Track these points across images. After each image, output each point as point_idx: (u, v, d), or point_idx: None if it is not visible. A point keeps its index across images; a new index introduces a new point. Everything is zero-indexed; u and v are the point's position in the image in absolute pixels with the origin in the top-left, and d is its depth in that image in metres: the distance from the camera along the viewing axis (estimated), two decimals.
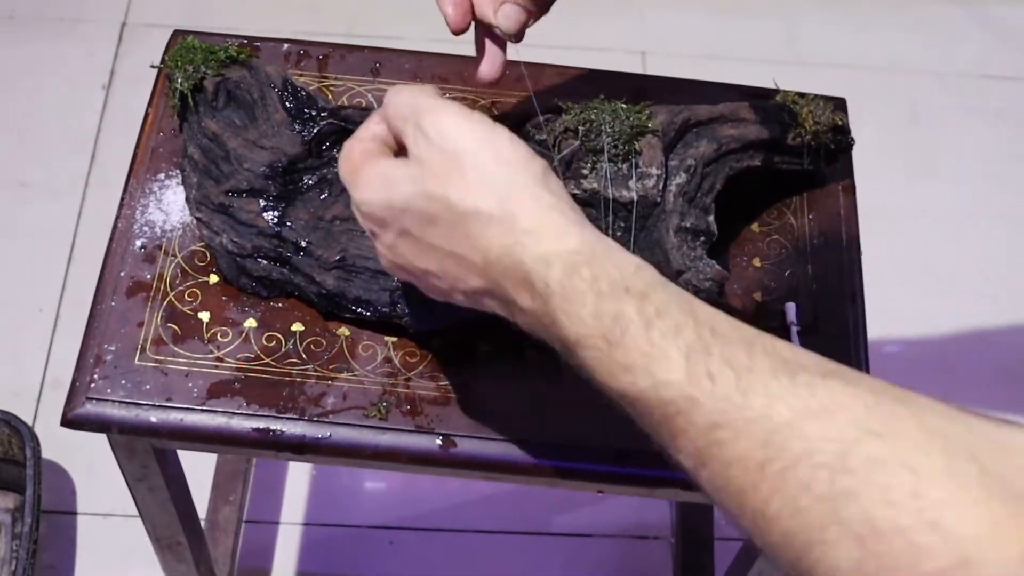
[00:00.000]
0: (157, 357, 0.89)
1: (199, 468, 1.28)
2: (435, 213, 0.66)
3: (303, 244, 0.90)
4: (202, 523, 1.27)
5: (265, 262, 0.91)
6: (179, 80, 0.96)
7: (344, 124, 0.93)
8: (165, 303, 0.91)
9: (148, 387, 0.87)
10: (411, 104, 0.69)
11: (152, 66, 1.01)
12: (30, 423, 1.57)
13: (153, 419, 0.86)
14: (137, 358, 0.89)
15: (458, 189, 0.65)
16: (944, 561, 0.46)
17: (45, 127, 1.92)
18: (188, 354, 0.89)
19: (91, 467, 1.59)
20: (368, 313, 0.89)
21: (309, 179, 0.92)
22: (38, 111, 1.93)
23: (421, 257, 0.69)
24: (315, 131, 0.93)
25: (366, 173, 0.70)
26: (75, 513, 1.58)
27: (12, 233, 1.81)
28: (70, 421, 0.87)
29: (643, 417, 0.59)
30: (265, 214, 0.91)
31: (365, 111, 0.97)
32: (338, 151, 0.93)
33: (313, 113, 0.94)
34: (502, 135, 0.67)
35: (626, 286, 0.60)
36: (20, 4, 2.05)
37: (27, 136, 1.90)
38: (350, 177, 0.72)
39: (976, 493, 0.47)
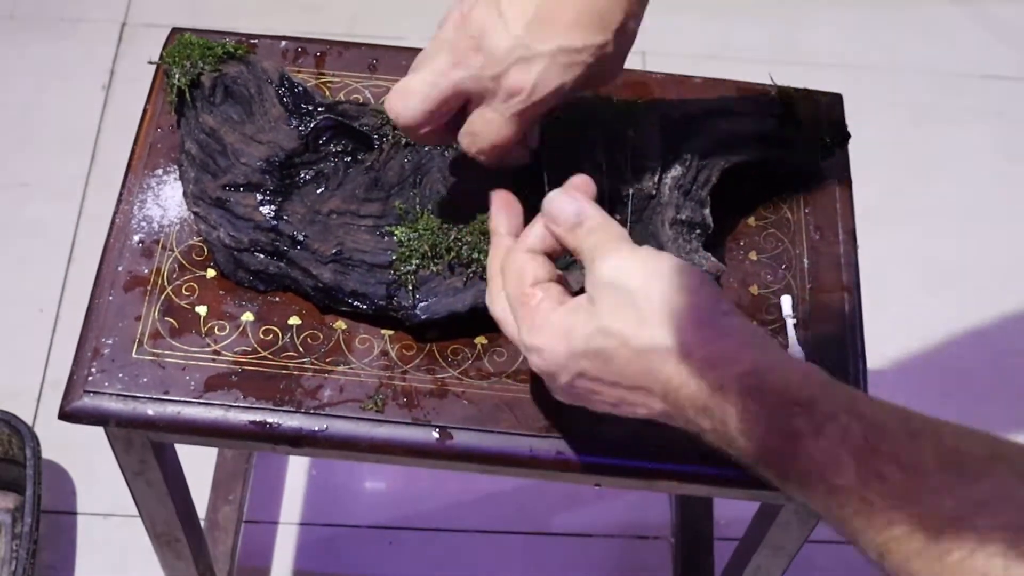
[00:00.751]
0: (154, 351, 0.89)
1: (199, 467, 1.28)
2: (612, 350, 0.70)
3: (300, 238, 0.90)
4: (202, 522, 1.27)
5: (262, 256, 0.91)
6: (176, 76, 0.96)
7: (341, 119, 0.94)
8: (162, 297, 0.91)
9: (145, 380, 0.87)
10: (581, 234, 0.74)
11: (150, 62, 1.01)
12: (30, 423, 1.57)
13: (150, 412, 0.87)
14: (134, 352, 0.89)
15: (632, 326, 0.69)
16: None
17: (45, 127, 1.92)
18: (185, 348, 0.89)
19: (91, 467, 1.59)
20: (364, 306, 0.89)
21: (306, 173, 0.93)
22: (38, 111, 1.93)
23: (599, 393, 0.72)
24: (312, 126, 0.93)
25: (545, 320, 0.73)
26: (75, 513, 1.58)
27: (12, 233, 1.81)
28: (68, 414, 0.87)
29: (826, 518, 0.64)
30: (262, 208, 0.91)
31: (363, 106, 0.97)
32: (335, 146, 0.93)
33: (310, 108, 0.94)
34: (671, 264, 0.71)
35: (796, 400, 0.64)
36: (20, 4, 2.05)
37: (27, 136, 1.91)
38: (522, 312, 0.75)
39: None
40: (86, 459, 1.59)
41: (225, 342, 0.90)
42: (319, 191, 0.92)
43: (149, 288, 0.92)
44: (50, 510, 1.57)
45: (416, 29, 1.98)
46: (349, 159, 0.94)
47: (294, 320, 0.91)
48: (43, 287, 1.76)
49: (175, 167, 0.98)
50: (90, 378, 0.87)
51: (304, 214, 0.91)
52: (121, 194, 0.97)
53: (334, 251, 0.89)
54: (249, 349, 0.89)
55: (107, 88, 1.96)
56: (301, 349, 0.89)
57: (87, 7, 2.06)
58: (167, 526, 1.08)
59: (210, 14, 2.05)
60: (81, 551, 1.56)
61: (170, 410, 0.87)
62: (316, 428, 0.86)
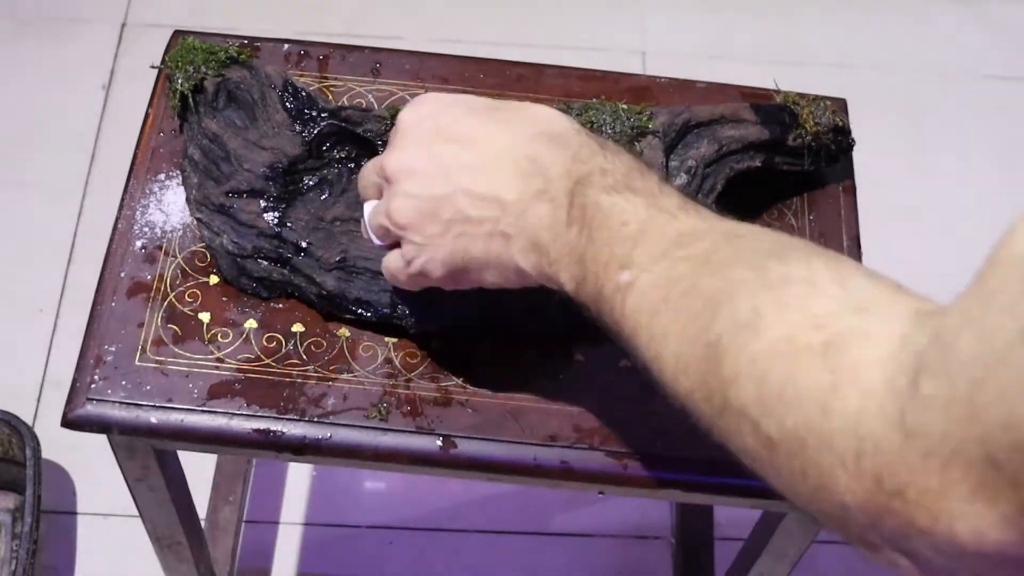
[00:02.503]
0: (157, 358, 0.89)
1: (199, 468, 1.28)
2: (487, 104, 0.75)
3: (303, 245, 0.90)
4: (202, 523, 1.27)
5: (265, 263, 0.91)
6: (179, 81, 0.96)
7: (345, 125, 0.93)
8: (165, 304, 0.91)
9: (148, 388, 0.87)
10: None
11: (152, 66, 1.01)
12: (30, 423, 1.57)
13: (153, 420, 0.86)
14: (137, 359, 0.89)
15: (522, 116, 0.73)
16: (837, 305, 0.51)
17: (45, 127, 1.92)
18: (188, 355, 0.89)
19: (91, 467, 1.59)
20: (368, 314, 0.89)
21: (310, 180, 0.92)
22: (38, 111, 1.93)
23: (464, 130, 0.73)
24: (316, 132, 0.93)
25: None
26: (75, 513, 1.58)
27: (12, 233, 1.81)
28: (70, 422, 0.87)
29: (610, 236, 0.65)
30: (265, 215, 0.90)
31: (366, 111, 0.97)
32: (338, 152, 0.93)
33: (314, 114, 0.94)
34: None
35: (629, 185, 0.67)
36: (20, 4, 2.05)
37: (27, 136, 1.90)
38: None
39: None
40: (86, 459, 1.59)
41: (228, 349, 0.89)
42: (323, 198, 0.92)
43: (152, 294, 0.92)
44: (50, 510, 1.57)
45: (415, 29, 1.98)
46: (352, 165, 0.93)
47: (297, 327, 0.91)
48: (43, 287, 1.75)
49: (177, 172, 0.97)
50: (93, 385, 0.87)
51: (308, 221, 0.90)
52: (123, 199, 0.97)
53: (338, 258, 0.89)
54: (252, 356, 0.89)
55: (107, 88, 1.96)
56: (305, 357, 0.89)
57: (87, 7, 2.05)
58: (169, 530, 1.08)
59: (210, 14, 2.05)
60: (81, 551, 1.56)
61: (173, 418, 0.86)
62: (320, 436, 0.86)
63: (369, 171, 0.80)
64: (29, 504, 1.41)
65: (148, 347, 0.89)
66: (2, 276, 1.76)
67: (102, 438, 0.92)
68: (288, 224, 0.90)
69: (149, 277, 0.93)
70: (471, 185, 0.71)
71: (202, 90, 0.95)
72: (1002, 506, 0.41)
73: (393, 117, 0.93)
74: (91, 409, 0.87)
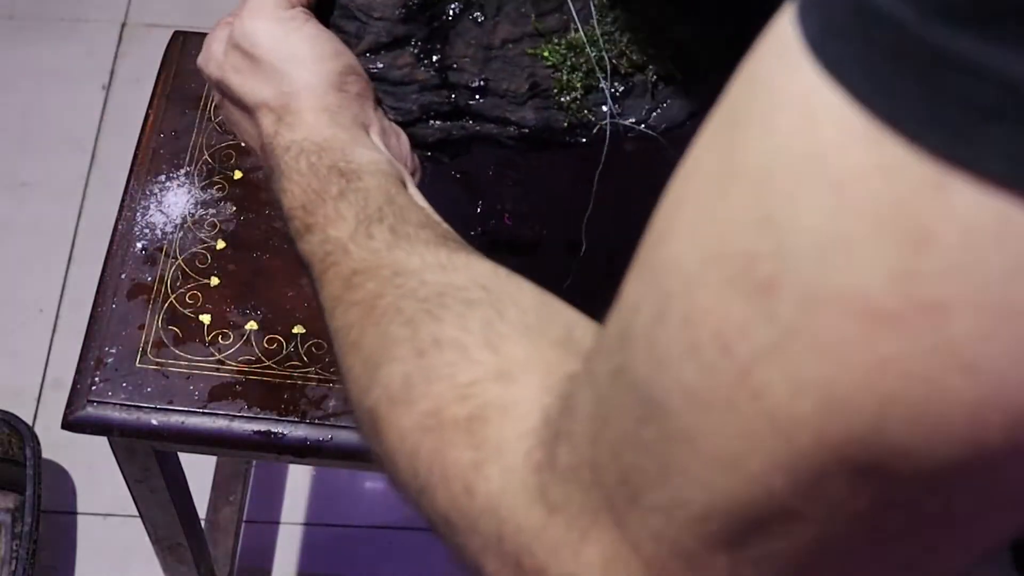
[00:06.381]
0: (158, 360, 0.89)
1: (199, 468, 1.28)
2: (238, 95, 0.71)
3: (480, 84, 0.75)
4: (202, 523, 1.27)
5: (438, 122, 0.75)
6: None
7: None
8: (166, 306, 0.91)
9: (149, 390, 0.87)
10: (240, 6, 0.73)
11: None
12: (30, 423, 1.56)
13: (154, 422, 0.87)
14: (138, 361, 0.89)
15: (252, 84, 0.70)
16: (483, 372, 0.46)
17: (45, 127, 1.91)
18: (189, 357, 0.89)
19: (91, 467, 1.59)
20: (584, 139, 0.77)
21: (454, 6, 0.76)
22: (38, 111, 1.93)
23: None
24: None
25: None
26: (75, 513, 1.58)
27: (12, 233, 1.80)
28: (71, 424, 0.87)
29: (313, 278, 0.61)
30: (422, 63, 0.75)
31: None
32: None
33: None
34: (301, 33, 0.70)
35: (341, 170, 0.62)
36: (20, 4, 2.05)
37: (27, 136, 1.90)
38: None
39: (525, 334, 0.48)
40: (86, 459, 1.59)
41: (229, 351, 0.90)
42: (480, 21, 0.76)
43: (152, 296, 0.92)
44: (50, 510, 1.56)
45: None
46: None
47: (298, 329, 0.91)
48: (43, 287, 1.75)
49: (178, 173, 0.98)
50: (94, 387, 0.87)
51: (473, 55, 0.76)
52: (123, 200, 0.97)
53: (528, 85, 0.75)
54: (253, 358, 0.89)
55: (107, 88, 1.96)
56: (306, 359, 0.89)
57: (87, 7, 2.05)
58: (169, 531, 1.08)
59: (210, 14, 2.03)
60: (81, 551, 1.56)
61: (174, 420, 0.87)
62: (321, 438, 0.86)
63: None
64: (29, 504, 1.41)
65: (149, 349, 0.89)
66: (2, 276, 1.76)
67: (102, 440, 0.92)
68: (453, 65, 0.75)
69: (150, 279, 0.93)
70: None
71: None
72: None
73: None
74: (92, 411, 0.87)
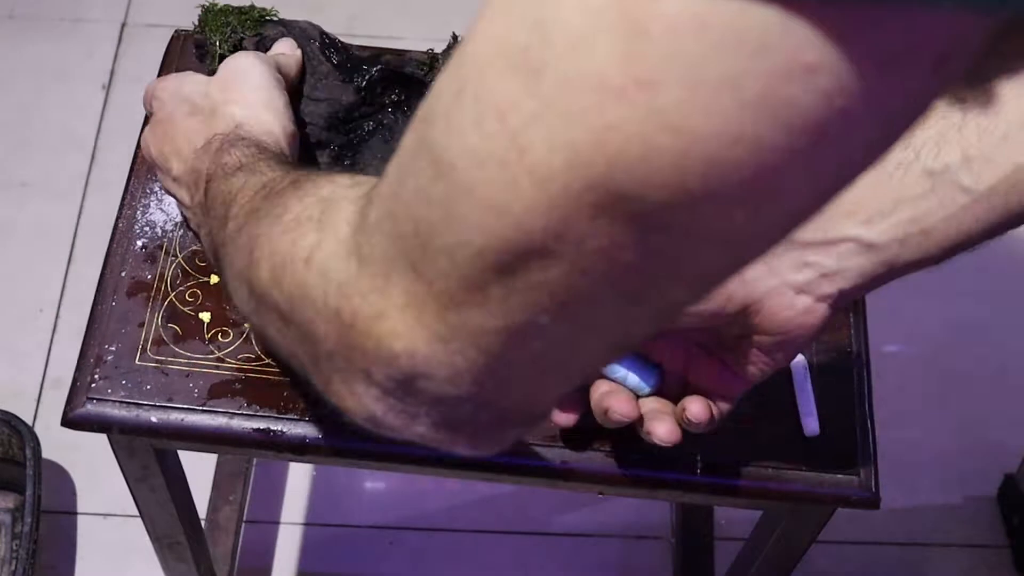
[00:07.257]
0: (158, 357, 0.89)
1: (199, 468, 1.28)
2: (201, 106, 0.86)
3: None
4: (202, 523, 1.27)
5: None
6: (217, 43, 0.94)
7: (395, 69, 0.93)
8: (166, 303, 0.91)
9: (149, 387, 0.87)
10: None
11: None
12: (30, 423, 1.56)
13: (154, 419, 0.87)
14: (138, 358, 0.89)
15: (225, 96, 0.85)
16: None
17: (45, 127, 1.91)
18: (189, 354, 0.89)
19: (91, 467, 1.59)
20: None
21: (368, 125, 0.93)
22: (38, 111, 1.93)
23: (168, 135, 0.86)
24: (367, 77, 0.93)
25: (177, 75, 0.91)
26: (75, 513, 1.58)
27: (12, 233, 1.80)
28: (71, 421, 0.87)
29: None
30: (338, 165, 0.90)
31: (403, 54, 0.96)
32: (390, 96, 0.93)
33: (355, 63, 0.93)
34: (259, 67, 0.88)
35: (240, 164, 0.76)
36: (20, 4, 2.05)
37: (27, 136, 1.90)
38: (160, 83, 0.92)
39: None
40: (86, 459, 1.59)
41: (229, 349, 0.89)
42: (386, 143, 0.92)
43: (152, 294, 0.92)
44: (50, 510, 1.56)
45: (414, 29, 1.98)
46: (406, 108, 0.94)
47: None
48: (43, 287, 1.75)
49: None
50: (93, 385, 0.87)
51: (379, 166, 0.89)
52: (124, 199, 0.97)
53: None
54: (253, 356, 0.89)
55: (107, 88, 1.96)
56: None
57: (87, 7, 2.05)
58: (169, 530, 1.08)
59: None
60: (81, 551, 1.56)
61: (174, 417, 0.87)
62: (320, 436, 0.86)
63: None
64: (29, 504, 1.41)
65: (148, 347, 0.89)
66: (2, 276, 1.76)
67: (102, 438, 0.92)
68: (363, 170, 0.89)
69: (150, 276, 0.93)
70: None
71: (242, 50, 0.94)
72: (428, 318, 0.43)
73: (433, 60, 0.93)
74: (91, 408, 0.87)
